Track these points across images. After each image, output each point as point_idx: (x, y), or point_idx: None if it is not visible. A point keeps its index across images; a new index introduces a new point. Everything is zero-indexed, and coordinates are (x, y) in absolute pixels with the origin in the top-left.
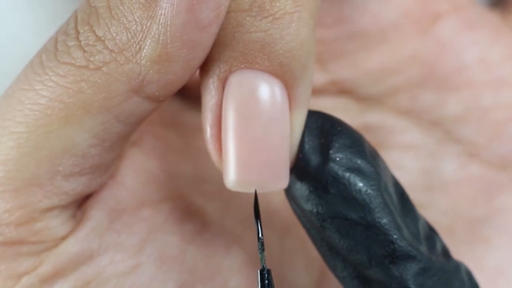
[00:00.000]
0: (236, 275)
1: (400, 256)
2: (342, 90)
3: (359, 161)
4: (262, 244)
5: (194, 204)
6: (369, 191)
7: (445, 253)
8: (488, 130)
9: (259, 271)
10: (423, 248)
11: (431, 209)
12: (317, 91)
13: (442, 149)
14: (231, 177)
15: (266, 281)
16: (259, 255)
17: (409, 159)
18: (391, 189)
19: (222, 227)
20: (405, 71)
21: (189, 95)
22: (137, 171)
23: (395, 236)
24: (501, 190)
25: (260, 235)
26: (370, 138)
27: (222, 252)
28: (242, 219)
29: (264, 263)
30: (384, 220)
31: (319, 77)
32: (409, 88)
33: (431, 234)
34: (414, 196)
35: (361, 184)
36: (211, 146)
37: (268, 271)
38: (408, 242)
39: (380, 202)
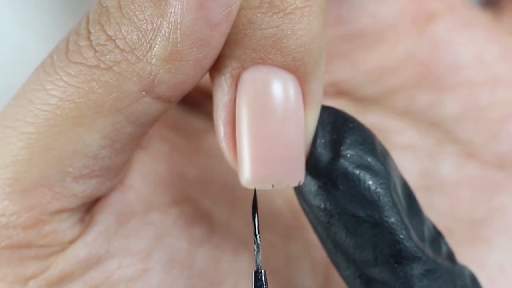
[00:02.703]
0: (244, 279)
1: (405, 257)
2: (339, 91)
3: (369, 159)
4: (258, 245)
5: (201, 207)
6: (378, 189)
7: (451, 257)
8: (485, 129)
9: (253, 272)
10: (428, 250)
11: (430, 210)
12: None
13: (440, 149)
14: (247, 174)
15: (259, 283)
16: (255, 256)
17: (407, 160)
18: (399, 190)
19: (229, 231)
20: (402, 71)
21: (189, 99)
22: (145, 174)
23: (401, 236)
24: (500, 190)
25: (257, 233)
26: None
27: (230, 256)
28: (249, 222)
29: (259, 264)
30: (392, 220)
31: None
32: (406, 89)
33: (437, 237)
34: None
35: (370, 182)
36: (225, 144)
37: (262, 273)
38: (414, 243)
39: (389, 201)
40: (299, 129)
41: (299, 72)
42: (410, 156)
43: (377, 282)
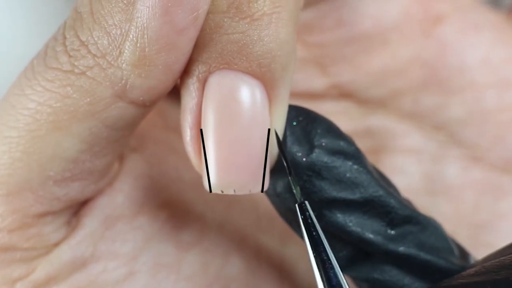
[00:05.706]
0: (234, 283)
1: (398, 224)
2: (343, 94)
3: (341, 143)
4: (293, 181)
5: (194, 210)
6: (360, 169)
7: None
8: (491, 132)
9: (297, 205)
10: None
11: (434, 213)
12: (318, 96)
13: (444, 152)
14: (211, 178)
15: (307, 213)
16: (294, 191)
17: (411, 163)
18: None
19: (221, 234)
20: (407, 74)
21: None
22: (135, 177)
23: (392, 206)
24: (505, 194)
25: (289, 171)
26: (372, 142)
27: (220, 260)
28: (242, 226)
29: (300, 197)
30: (380, 193)
31: (320, 81)
32: (411, 91)
33: (407, 199)
34: (417, 200)
35: (350, 163)
36: (190, 148)
37: (306, 204)
38: (405, 207)
39: (371, 178)
40: (264, 135)
41: (265, 78)
42: (415, 159)
43: (378, 254)
